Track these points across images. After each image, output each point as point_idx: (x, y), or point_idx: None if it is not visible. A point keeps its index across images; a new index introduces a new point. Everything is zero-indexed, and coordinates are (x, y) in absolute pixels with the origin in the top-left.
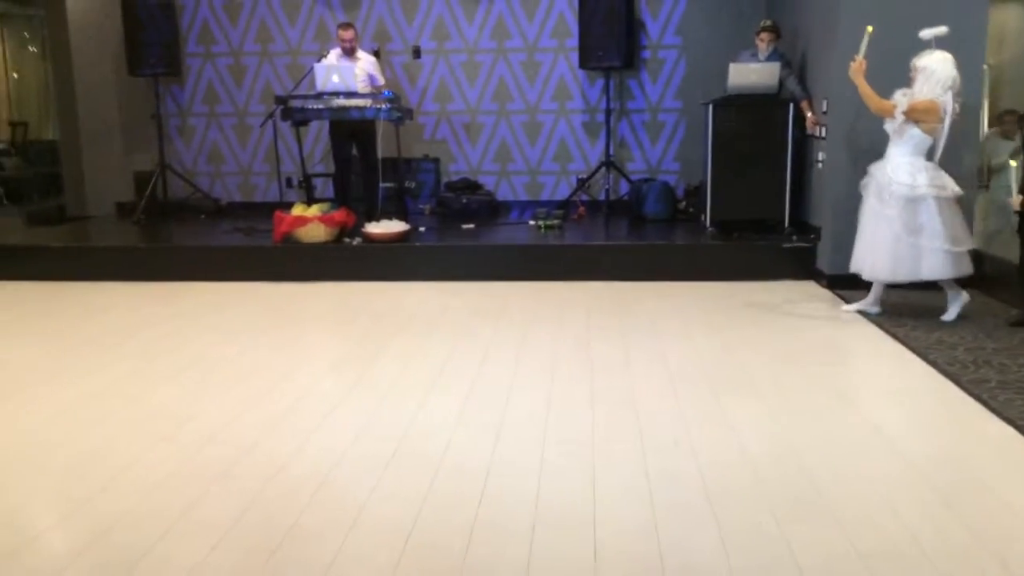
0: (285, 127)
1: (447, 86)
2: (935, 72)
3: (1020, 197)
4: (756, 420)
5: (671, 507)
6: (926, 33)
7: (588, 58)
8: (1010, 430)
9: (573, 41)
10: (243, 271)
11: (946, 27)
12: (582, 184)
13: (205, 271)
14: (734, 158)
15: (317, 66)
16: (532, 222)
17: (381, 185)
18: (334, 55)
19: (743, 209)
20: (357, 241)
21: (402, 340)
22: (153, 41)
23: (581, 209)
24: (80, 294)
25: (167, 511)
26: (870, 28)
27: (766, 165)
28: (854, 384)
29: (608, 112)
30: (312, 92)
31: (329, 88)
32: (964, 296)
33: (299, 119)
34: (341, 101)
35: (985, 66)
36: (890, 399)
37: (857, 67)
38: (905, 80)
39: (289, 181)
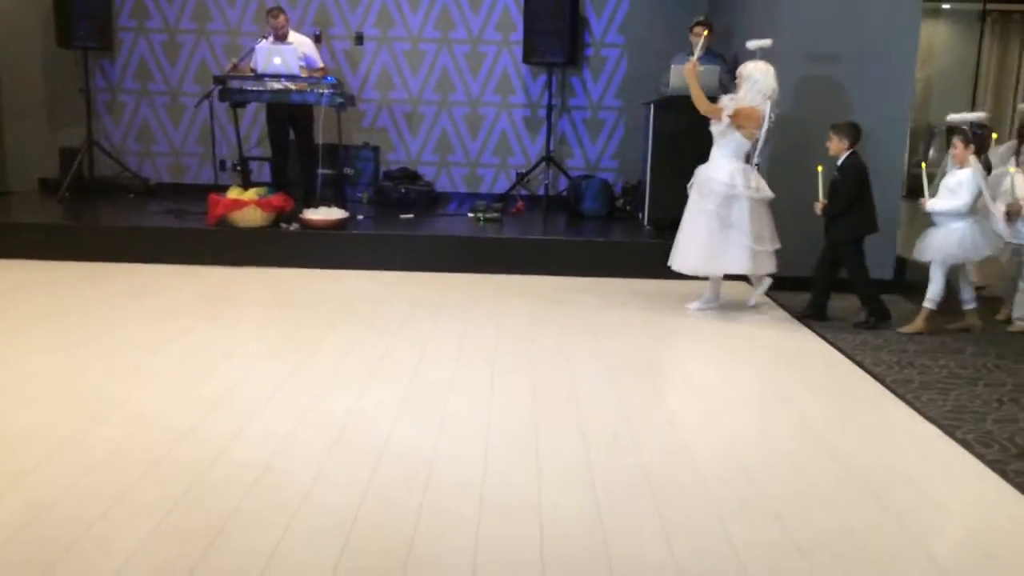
0: (220, 108)
1: (389, 74)
2: (758, 81)
3: (821, 203)
4: (693, 415)
5: (614, 496)
6: (752, 44)
7: (532, 53)
8: (933, 428)
9: (517, 35)
10: (174, 254)
11: (771, 40)
12: (521, 178)
13: (134, 252)
14: (673, 158)
15: (259, 47)
16: (471, 214)
17: (319, 171)
18: (266, 42)
19: (680, 208)
20: (294, 227)
21: (340, 328)
22: (84, 13)
23: (520, 203)
24: (0, 272)
25: (103, 493)
26: (705, 32)
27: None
28: (785, 382)
29: (550, 108)
30: (251, 73)
31: (271, 71)
32: (767, 281)
33: (237, 100)
34: (284, 84)
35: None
36: (820, 397)
37: (690, 68)
38: (845, 92)
39: (223, 164)
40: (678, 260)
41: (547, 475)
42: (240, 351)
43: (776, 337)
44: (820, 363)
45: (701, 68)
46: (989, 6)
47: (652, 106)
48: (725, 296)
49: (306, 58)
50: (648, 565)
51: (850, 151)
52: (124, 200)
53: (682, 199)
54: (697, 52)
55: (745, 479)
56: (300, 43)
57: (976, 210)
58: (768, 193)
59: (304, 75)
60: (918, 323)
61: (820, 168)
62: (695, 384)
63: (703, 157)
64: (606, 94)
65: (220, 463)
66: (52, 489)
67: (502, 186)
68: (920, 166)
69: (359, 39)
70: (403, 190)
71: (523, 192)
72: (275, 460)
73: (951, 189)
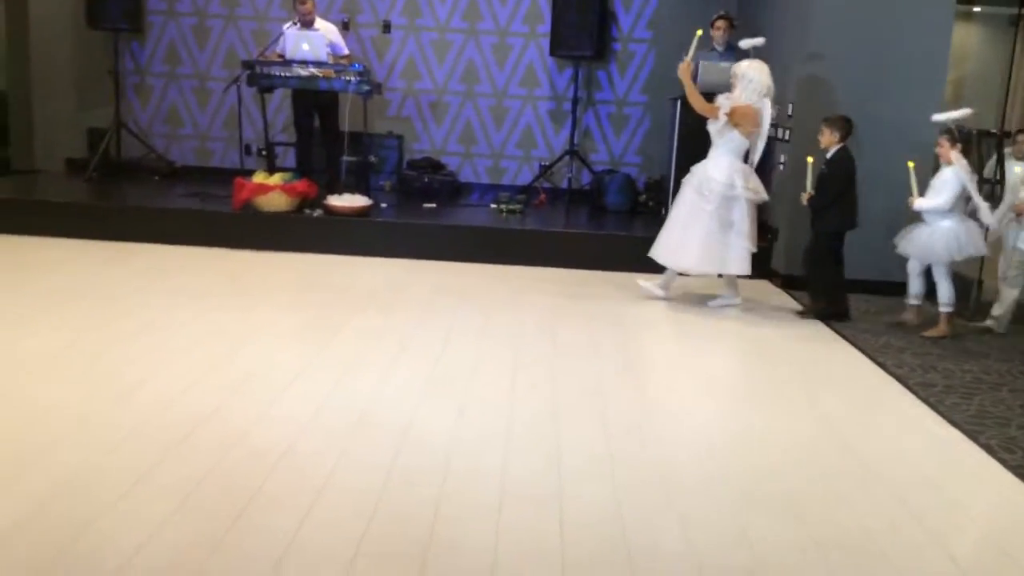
0: (247, 93)
1: (415, 63)
2: (753, 80)
3: (807, 194)
4: (713, 411)
5: (632, 489)
6: (745, 43)
7: (559, 46)
8: (956, 432)
9: (545, 28)
10: (199, 236)
11: (763, 38)
12: (545, 171)
13: (159, 234)
14: (698, 154)
15: (287, 33)
16: (493, 205)
17: (344, 158)
18: (293, 28)
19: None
20: (318, 213)
21: (363, 314)
22: None
23: (542, 196)
24: (27, 250)
25: (125, 472)
26: (699, 32)
27: None
28: (806, 381)
29: (575, 101)
30: (281, 59)
31: (299, 56)
32: (738, 297)
33: (265, 85)
34: (311, 70)
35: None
36: (842, 398)
37: (685, 67)
38: (877, 93)
39: (248, 148)
40: (672, 257)
41: (567, 464)
42: (263, 335)
43: (798, 336)
44: (842, 363)
45: (723, 65)
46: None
47: (678, 102)
48: (747, 296)
49: (332, 45)
50: (666, 556)
51: (840, 145)
52: (150, 182)
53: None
54: (690, 52)
55: (765, 475)
56: (326, 30)
57: (963, 208)
58: (764, 195)
59: (331, 62)
60: (941, 327)
61: (810, 160)
62: (715, 380)
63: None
64: (632, 89)
65: (242, 445)
66: (74, 466)
67: (525, 178)
68: (908, 165)
69: (386, 27)
70: (426, 179)
71: (546, 185)
72: (297, 443)
73: (936, 188)
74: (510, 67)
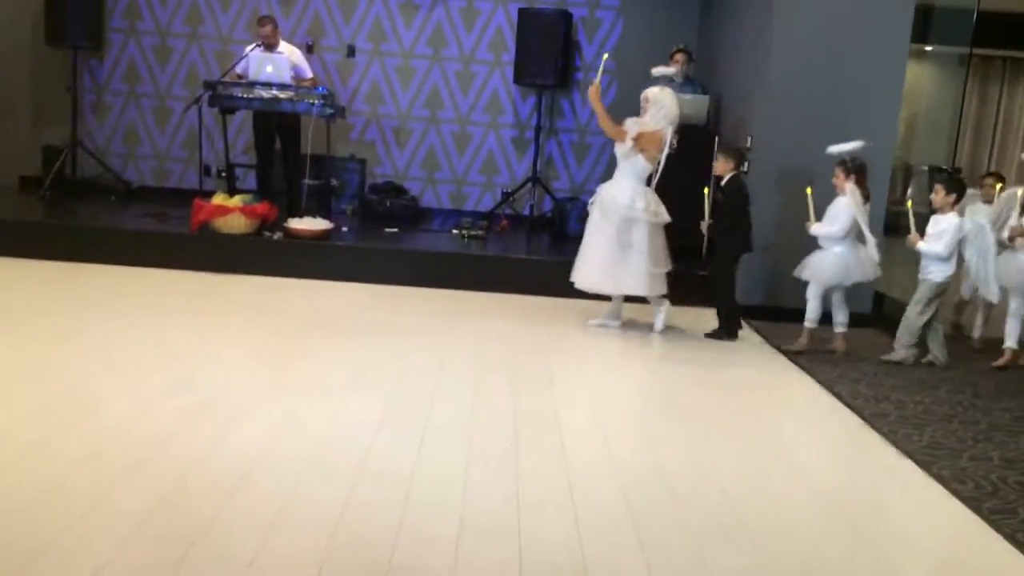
0: (208, 114)
1: (379, 88)
2: (664, 106)
3: (708, 222)
4: (674, 441)
5: (593, 519)
6: (656, 71)
7: (523, 74)
8: (909, 463)
9: (509, 56)
10: (155, 257)
11: (674, 68)
12: (507, 198)
13: (114, 254)
14: (660, 184)
15: (251, 55)
16: (455, 231)
17: (305, 181)
18: (257, 51)
19: (665, 234)
20: (278, 236)
21: (322, 339)
22: (76, 12)
23: (504, 222)
24: None
25: (77, 498)
26: (606, 56)
27: (691, 192)
28: (763, 411)
29: (538, 129)
30: (242, 80)
31: (262, 78)
32: (666, 305)
33: (227, 106)
34: (275, 92)
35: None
36: (798, 427)
37: (594, 90)
38: (833, 127)
39: (208, 169)
40: (578, 276)
41: (525, 496)
42: (220, 359)
43: (754, 366)
44: (798, 394)
45: (687, 97)
46: (973, 50)
47: None
48: (699, 329)
49: (296, 68)
50: None
51: (734, 172)
52: (106, 201)
53: (667, 225)
54: (598, 75)
55: (724, 506)
56: (290, 53)
57: (855, 236)
58: (665, 217)
59: (294, 85)
60: (802, 340)
61: (809, 190)
62: (674, 411)
63: (686, 181)
64: (594, 118)
65: (197, 472)
66: (25, 492)
67: (487, 204)
68: (807, 191)
69: (351, 51)
70: (388, 204)
71: (508, 211)
72: (254, 471)
73: (830, 215)
74: (474, 94)
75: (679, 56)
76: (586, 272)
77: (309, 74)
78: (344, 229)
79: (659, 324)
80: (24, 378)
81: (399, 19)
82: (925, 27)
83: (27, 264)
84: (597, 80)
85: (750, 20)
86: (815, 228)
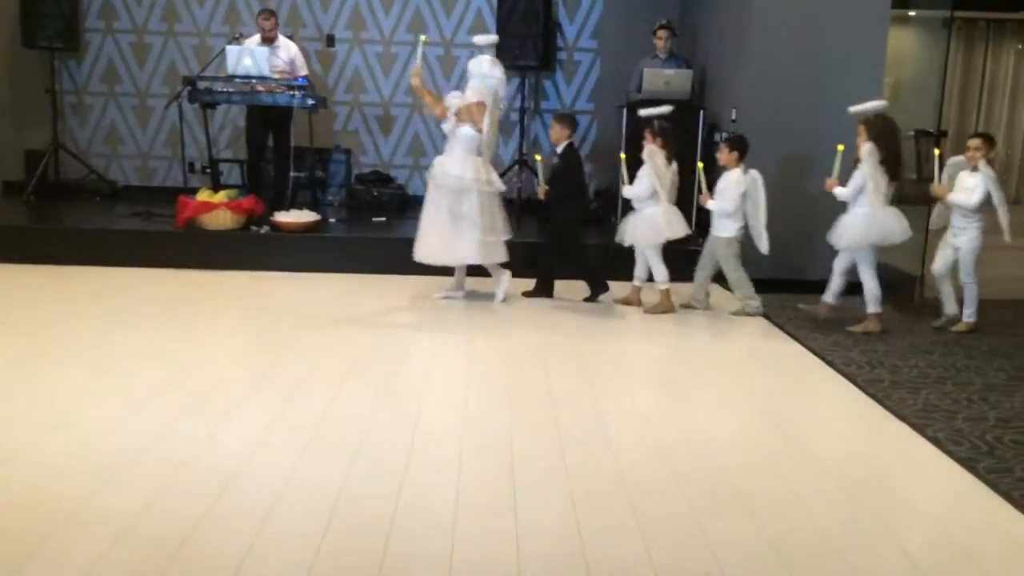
0: (189, 110)
1: (361, 77)
2: (487, 76)
3: (544, 188)
4: (667, 415)
5: (590, 498)
6: (479, 39)
7: (504, 56)
8: (904, 427)
9: None
10: (143, 257)
11: (496, 36)
12: None
13: (101, 255)
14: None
15: (229, 48)
16: None
17: (292, 174)
18: (253, 41)
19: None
20: (265, 230)
21: (312, 332)
22: (51, 13)
23: None
24: None
25: (67, 499)
26: (424, 38)
27: (682, 168)
28: (757, 381)
29: (522, 111)
30: (222, 74)
31: (240, 72)
32: (507, 277)
33: (207, 101)
34: (254, 85)
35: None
36: (793, 396)
37: (416, 72)
38: (816, 96)
39: (192, 166)
40: (417, 250)
41: (521, 477)
42: (210, 355)
43: (747, 337)
44: (791, 363)
45: (666, 72)
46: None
47: (624, 109)
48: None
49: (291, 64)
50: (625, 565)
51: (568, 141)
52: (91, 203)
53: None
54: (418, 59)
55: (720, 477)
56: (288, 47)
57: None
58: (500, 186)
59: (277, 77)
60: (662, 303)
61: (840, 147)
62: (668, 385)
63: (672, 158)
64: (579, 97)
65: (189, 468)
66: (15, 492)
67: None
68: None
69: (330, 41)
70: (375, 193)
71: None
72: (246, 465)
73: (638, 177)
74: (456, 77)
75: (662, 32)
76: (424, 246)
77: (304, 71)
78: (332, 220)
79: (500, 295)
80: (7, 381)
81: (378, 5)
82: None
83: (13, 269)
84: (418, 64)
85: None
86: (626, 191)
